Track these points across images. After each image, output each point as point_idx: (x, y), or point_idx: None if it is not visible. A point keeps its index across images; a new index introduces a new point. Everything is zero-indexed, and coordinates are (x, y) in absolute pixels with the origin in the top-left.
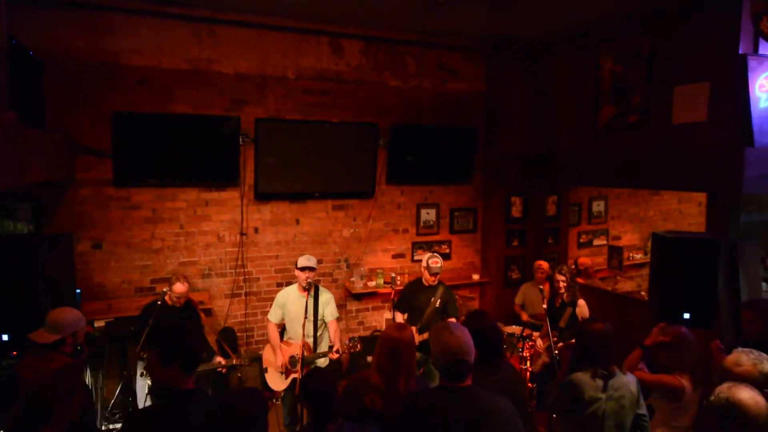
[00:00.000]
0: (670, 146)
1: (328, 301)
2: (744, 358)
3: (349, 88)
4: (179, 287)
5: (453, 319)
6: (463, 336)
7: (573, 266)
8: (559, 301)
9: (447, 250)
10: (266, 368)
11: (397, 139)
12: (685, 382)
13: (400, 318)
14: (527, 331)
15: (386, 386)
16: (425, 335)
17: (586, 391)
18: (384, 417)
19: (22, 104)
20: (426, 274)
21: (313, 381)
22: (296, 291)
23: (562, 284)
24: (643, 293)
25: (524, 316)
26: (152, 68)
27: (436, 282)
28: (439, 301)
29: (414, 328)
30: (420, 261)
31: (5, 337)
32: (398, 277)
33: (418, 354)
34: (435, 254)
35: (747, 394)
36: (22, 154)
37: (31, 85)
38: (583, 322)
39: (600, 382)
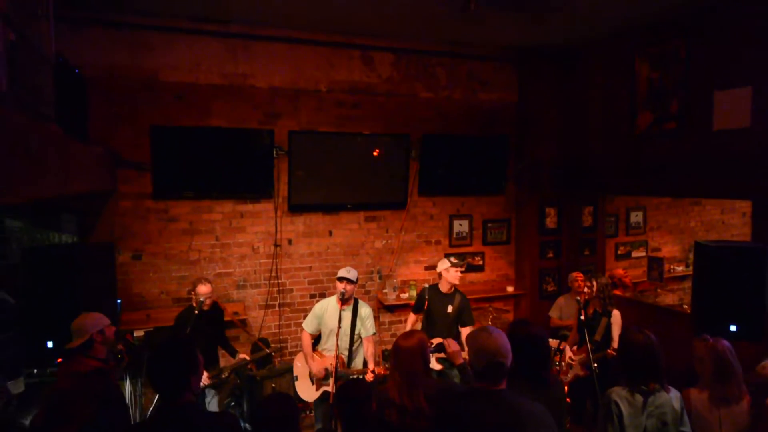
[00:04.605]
0: (711, 153)
1: (366, 316)
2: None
3: (381, 100)
4: (202, 288)
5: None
6: (500, 338)
7: (610, 279)
8: (592, 310)
9: (480, 262)
10: (296, 377)
11: (428, 150)
12: (697, 395)
13: (412, 319)
14: (563, 344)
15: (399, 399)
16: (440, 354)
17: (624, 407)
18: (402, 431)
19: (67, 118)
20: (444, 283)
21: (349, 392)
22: (335, 302)
23: (585, 289)
24: (685, 306)
25: (558, 322)
26: (189, 84)
27: (452, 290)
28: (455, 310)
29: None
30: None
31: (50, 344)
32: None
33: (440, 366)
34: (456, 265)
35: None
36: (68, 164)
37: (76, 100)
38: (626, 333)
39: (639, 398)
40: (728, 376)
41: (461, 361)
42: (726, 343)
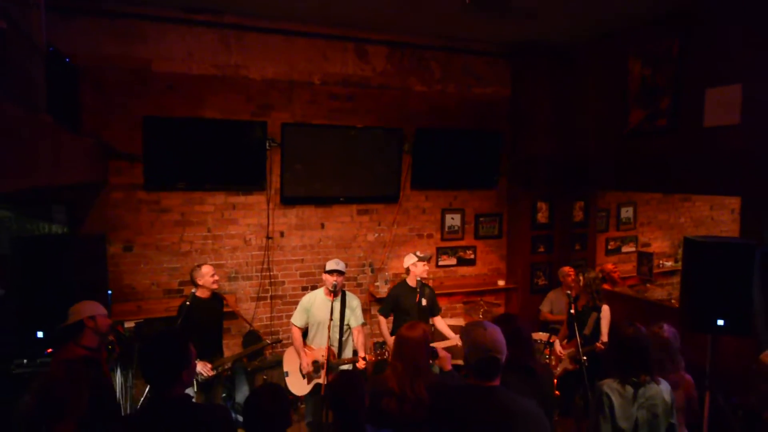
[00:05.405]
0: (702, 150)
1: (355, 307)
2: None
3: (375, 94)
4: (207, 268)
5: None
6: (495, 333)
7: (600, 273)
8: (582, 305)
9: (472, 256)
10: (287, 372)
11: (421, 144)
12: None
13: (384, 323)
14: (553, 338)
15: (399, 389)
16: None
17: (615, 398)
18: (399, 420)
19: (58, 109)
20: (412, 277)
21: (343, 387)
22: (322, 295)
23: (573, 283)
24: (673, 301)
25: (548, 317)
26: (182, 74)
27: (418, 283)
28: (425, 300)
29: None
30: (445, 266)
31: (40, 334)
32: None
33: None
34: (423, 259)
35: None
36: (58, 154)
37: (67, 90)
38: (617, 326)
39: (630, 390)
40: (668, 361)
41: (450, 367)
42: (671, 329)
